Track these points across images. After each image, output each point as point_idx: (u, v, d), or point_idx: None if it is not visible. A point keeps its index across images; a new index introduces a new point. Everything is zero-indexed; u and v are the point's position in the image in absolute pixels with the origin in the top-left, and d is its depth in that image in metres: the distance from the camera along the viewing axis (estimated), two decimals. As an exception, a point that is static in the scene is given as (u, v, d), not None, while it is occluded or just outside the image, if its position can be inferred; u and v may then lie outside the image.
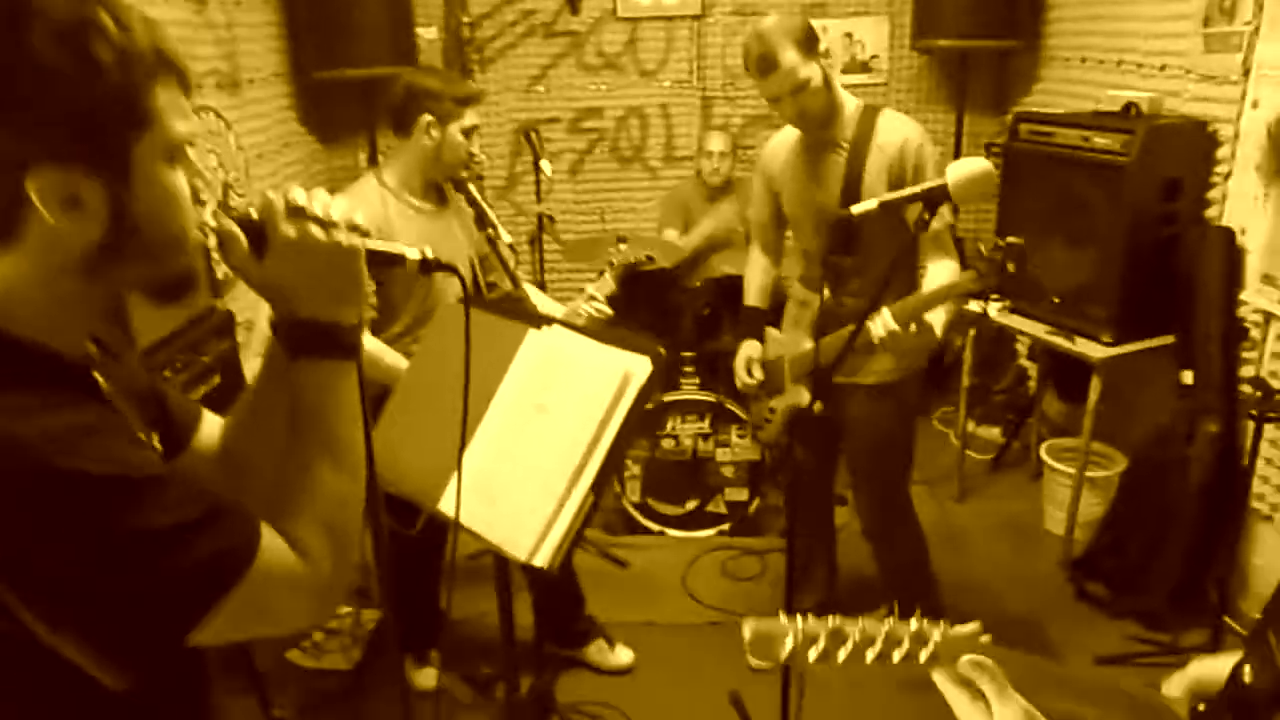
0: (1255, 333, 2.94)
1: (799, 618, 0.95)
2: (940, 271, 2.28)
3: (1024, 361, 4.36)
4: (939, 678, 0.98)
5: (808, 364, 2.49)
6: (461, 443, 1.38)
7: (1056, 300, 3.09)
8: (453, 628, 2.95)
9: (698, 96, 4.60)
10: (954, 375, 4.06)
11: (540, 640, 2.84)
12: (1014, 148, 3.43)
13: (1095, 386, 3.12)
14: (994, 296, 1.99)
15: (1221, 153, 3.03)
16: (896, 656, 0.94)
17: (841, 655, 0.93)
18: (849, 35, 4.50)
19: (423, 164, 2.35)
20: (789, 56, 2.22)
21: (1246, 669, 1.07)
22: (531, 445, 1.53)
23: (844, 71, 4.47)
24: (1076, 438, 3.41)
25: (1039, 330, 3.28)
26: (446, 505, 1.56)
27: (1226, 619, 2.81)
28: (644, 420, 3.49)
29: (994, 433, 4.28)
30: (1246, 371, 2.97)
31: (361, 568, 2.88)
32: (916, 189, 1.79)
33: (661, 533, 3.59)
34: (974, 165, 1.74)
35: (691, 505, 3.61)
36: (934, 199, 1.75)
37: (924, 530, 2.83)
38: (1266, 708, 1.04)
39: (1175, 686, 1.23)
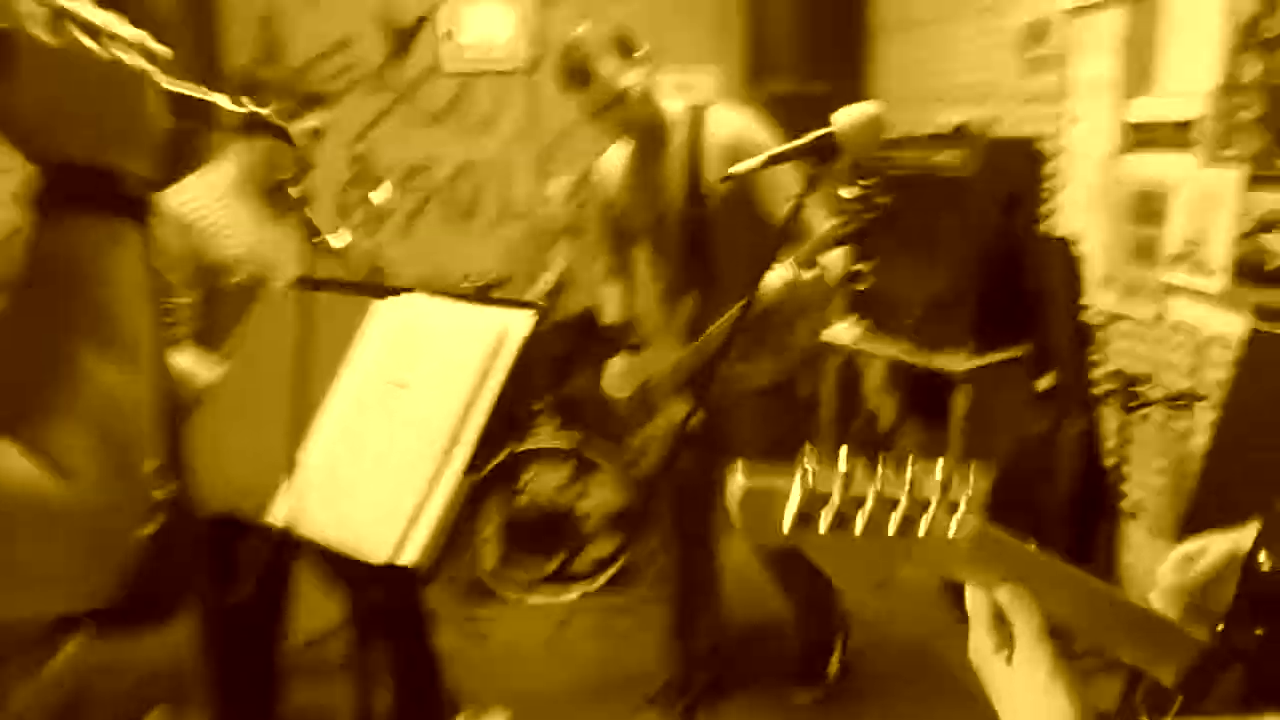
0: (1100, 333, 3.00)
1: (805, 465, 0.71)
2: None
3: (873, 403, 4.36)
4: (972, 593, 0.79)
5: (687, 368, 2.31)
6: (298, 438, 1.10)
7: (918, 313, 3.07)
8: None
9: (534, 150, 4.48)
10: (809, 418, 4.00)
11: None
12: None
13: (960, 402, 3.09)
14: (854, 318, 1.89)
15: (1050, 168, 3.15)
16: (922, 528, 0.72)
17: (860, 523, 0.71)
18: (679, 88, 4.51)
19: (256, 163, 2.08)
20: (606, 66, 2.12)
21: (1263, 555, 0.91)
22: (389, 428, 1.26)
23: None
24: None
25: (898, 350, 3.25)
26: (280, 513, 1.26)
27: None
28: (497, 474, 3.20)
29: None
30: (1097, 373, 3.02)
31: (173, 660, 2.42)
32: (803, 140, 1.67)
33: (520, 600, 3.26)
34: (861, 108, 1.64)
35: (555, 564, 3.31)
36: (823, 148, 1.63)
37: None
38: None
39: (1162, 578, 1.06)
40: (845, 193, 1.93)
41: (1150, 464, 2.83)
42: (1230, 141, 2.50)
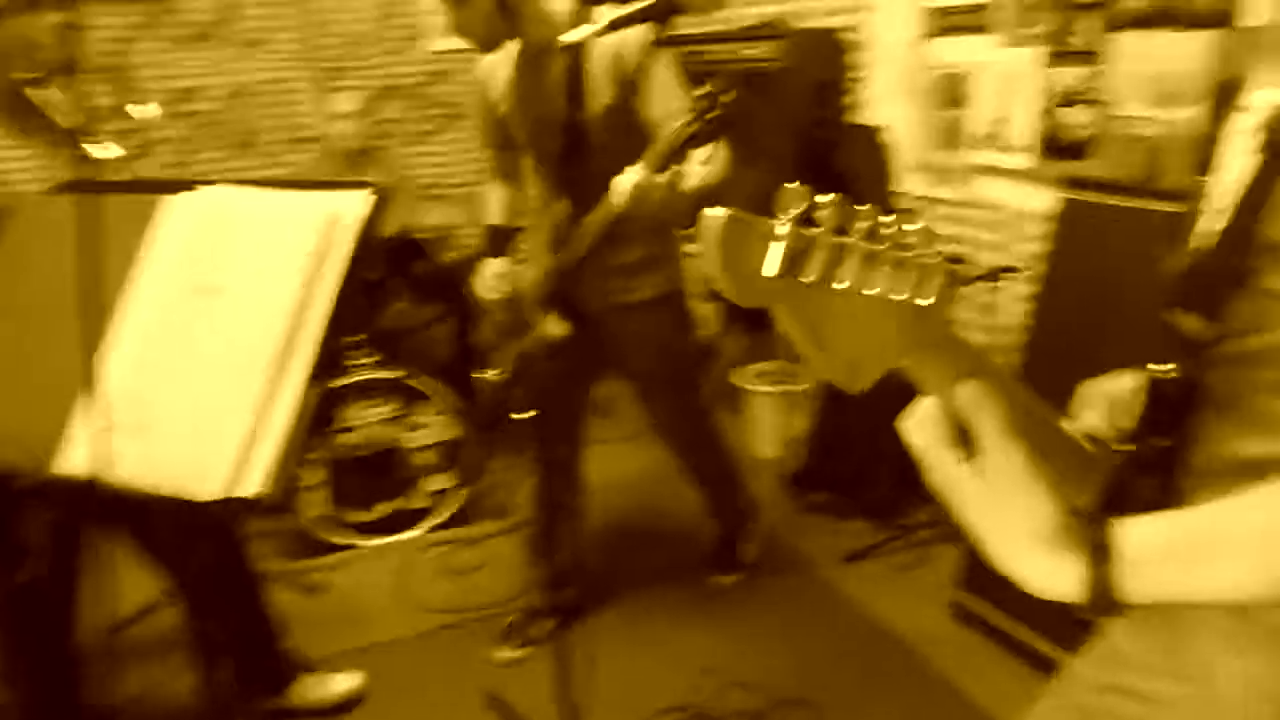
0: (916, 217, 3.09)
1: (792, 205, 0.61)
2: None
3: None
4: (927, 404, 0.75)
5: (550, 282, 2.20)
6: (88, 369, 0.89)
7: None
8: None
9: (315, 69, 4.10)
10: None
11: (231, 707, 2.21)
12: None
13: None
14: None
15: (854, 58, 3.17)
16: (905, 288, 0.64)
17: (847, 277, 0.61)
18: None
19: None
20: None
21: (1159, 370, 0.91)
22: (205, 342, 1.06)
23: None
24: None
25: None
26: (76, 462, 1.03)
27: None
28: (314, 416, 2.94)
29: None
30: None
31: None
32: (643, 3, 1.55)
33: (353, 545, 3.05)
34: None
35: (388, 506, 3.11)
36: (665, 8, 1.53)
37: (642, 480, 2.66)
38: (1184, 405, 0.92)
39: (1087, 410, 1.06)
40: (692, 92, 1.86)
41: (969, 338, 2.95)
42: (1026, 21, 2.58)
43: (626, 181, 1.90)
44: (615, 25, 1.56)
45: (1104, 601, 0.74)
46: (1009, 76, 2.65)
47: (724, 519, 2.81)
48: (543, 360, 2.28)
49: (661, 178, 1.90)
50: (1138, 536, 0.74)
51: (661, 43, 1.55)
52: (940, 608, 2.59)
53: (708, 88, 1.82)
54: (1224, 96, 1.91)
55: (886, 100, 3.11)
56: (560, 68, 2.14)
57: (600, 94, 2.13)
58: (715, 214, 0.61)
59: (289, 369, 1.00)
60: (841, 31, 3.18)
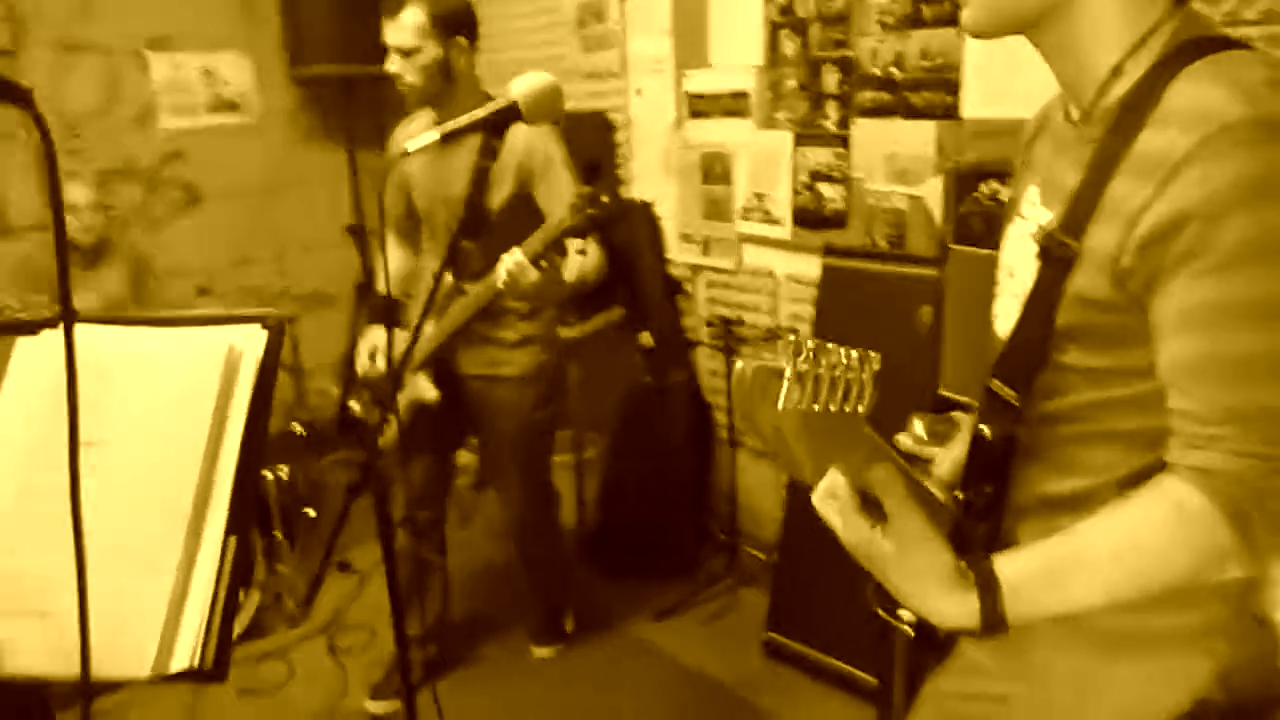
0: (687, 285, 3.31)
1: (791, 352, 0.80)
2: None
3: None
4: (839, 484, 0.92)
5: (428, 347, 2.30)
6: None
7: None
8: None
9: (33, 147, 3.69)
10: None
11: None
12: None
13: (573, 371, 3.20)
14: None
15: (620, 136, 3.36)
16: (850, 405, 0.82)
17: (828, 401, 0.80)
18: (208, 72, 4.02)
19: None
20: (414, 15, 2.17)
21: (985, 429, 1.09)
22: (94, 502, 0.96)
23: (211, 111, 4.00)
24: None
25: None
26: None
27: (743, 547, 3.15)
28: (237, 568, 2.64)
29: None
30: (689, 321, 3.33)
31: None
32: (486, 111, 1.60)
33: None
34: (538, 78, 1.62)
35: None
36: (505, 119, 1.60)
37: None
38: (1004, 457, 1.10)
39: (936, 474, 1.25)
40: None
41: (747, 396, 3.19)
42: (778, 107, 2.88)
43: (508, 263, 2.02)
44: (448, 137, 1.59)
45: (996, 625, 0.92)
46: (766, 155, 2.94)
47: (548, 592, 2.86)
48: (411, 423, 2.34)
49: (539, 264, 2.03)
50: (1013, 569, 0.93)
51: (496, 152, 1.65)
52: (753, 649, 2.76)
53: (589, 189, 2.00)
54: (956, 177, 2.24)
55: (653, 177, 3.32)
56: (473, 147, 2.26)
57: (504, 181, 2.29)
58: (746, 365, 0.80)
59: (206, 522, 0.94)
60: (608, 113, 3.37)
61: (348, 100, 4.09)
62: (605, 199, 1.94)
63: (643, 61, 3.23)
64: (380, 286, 2.59)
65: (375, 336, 2.48)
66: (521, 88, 1.60)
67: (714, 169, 3.11)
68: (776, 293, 3.04)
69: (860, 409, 0.81)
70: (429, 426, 2.41)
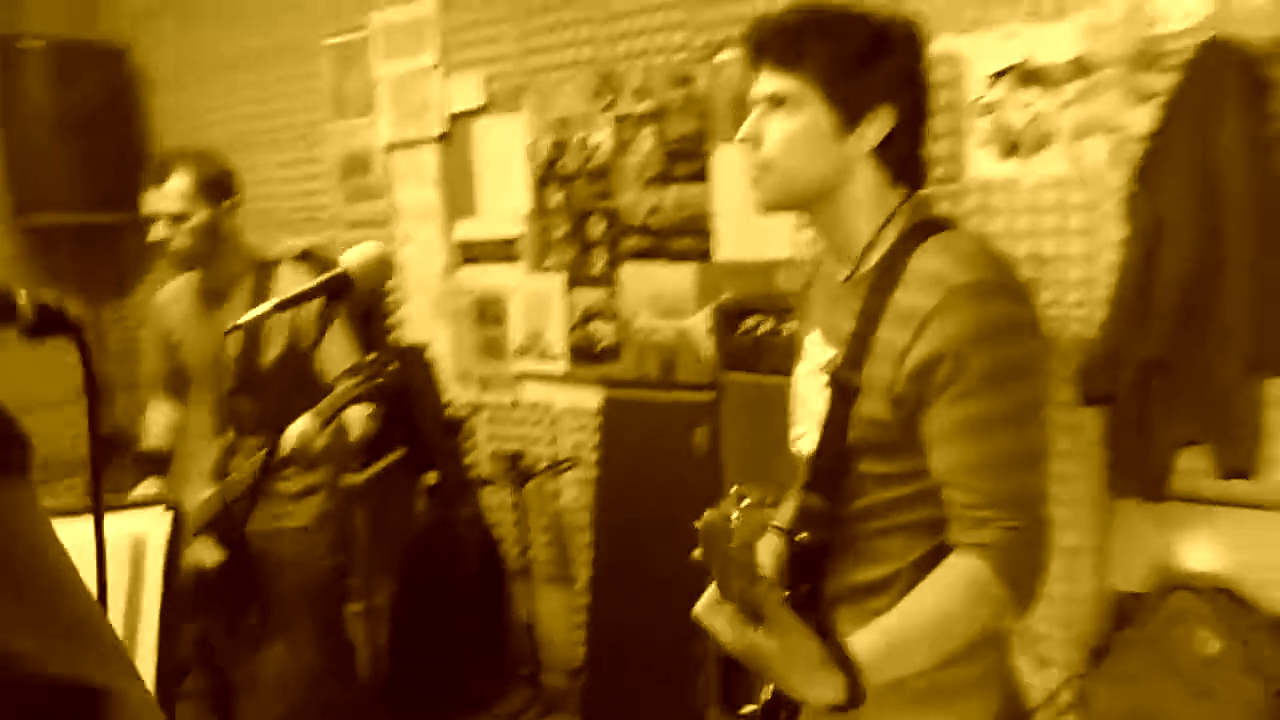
0: (469, 423, 3.40)
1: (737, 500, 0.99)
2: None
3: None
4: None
5: (210, 509, 2.19)
6: None
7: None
8: None
9: None
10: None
11: None
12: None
13: (360, 515, 3.17)
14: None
15: (391, 284, 3.45)
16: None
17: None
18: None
19: None
20: (181, 181, 2.21)
21: (803, 535, 1.30)
22: None
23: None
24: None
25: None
26: None
27: (545, 676, 3.20)
28: None
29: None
30: (472, 459, 3.41)
31: None
32: (315, 282, 1.66)
33: None
34: (369, 248, 1.70)
35: None
36: (336, 287, 1.65)
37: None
38: (820, 556, 1.32)
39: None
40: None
41: (534, 525, 3.30)
42: (549, 253, 3.12)
43: (295, 430, 2.00)
44: (282, 306, 1.64)
45: (859, 697, 1.12)
46: (539, 297, 3.15)
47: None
48: (195, 589, 2.22)
49: (328, 428, 2.03)
50: (863, 649, 1.14)
51: (332, 317, 1.69)
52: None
53: (374, 355, 2.07)
54: (723, 312, 2.55)
55: (425, 321, 3.42)
56: (243, 304, 2.24)
57: (274, 344, 2.29)
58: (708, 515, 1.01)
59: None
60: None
61: (82, 249, 3.87)
62: (392, 366, 2.05)
63: (411, 210, 3.37)
64: (149, 442, 2.55)
65: (146, 489, 2.40)
66: (354, 257, 1.68)
67: (488, 311, 3.28)
68: (556, 424, 3.21)
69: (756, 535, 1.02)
70: (214, 591, 2.31)
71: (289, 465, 2.10)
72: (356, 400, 2.04)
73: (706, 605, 1.12)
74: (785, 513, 1.41)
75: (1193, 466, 2.23)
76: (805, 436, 1.34)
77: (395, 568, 3.40)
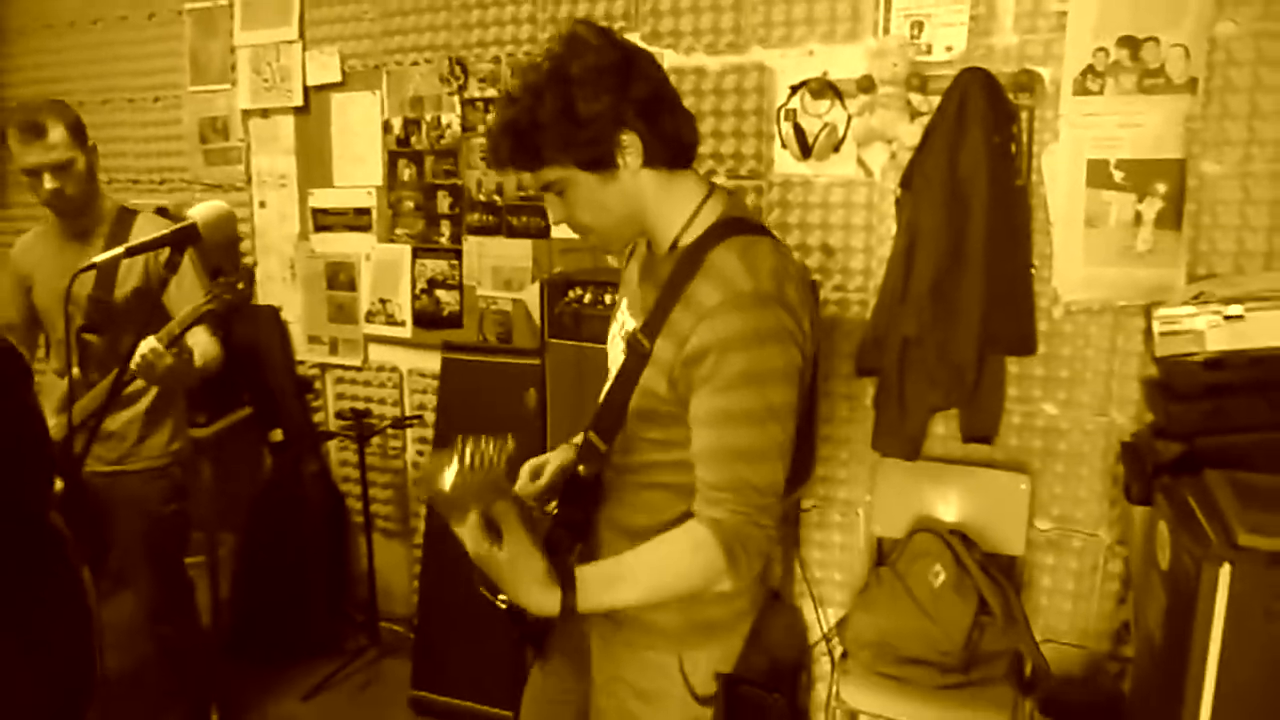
0: (317, 383, 3.56)
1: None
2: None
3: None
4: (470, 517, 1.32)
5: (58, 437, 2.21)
6: None
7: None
8: None
9: None
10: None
11: None
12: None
13: (206, 468, 3.28)
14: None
15: (245, 245, 3.56)
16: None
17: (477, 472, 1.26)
18: None
19: None
20: (58, 132, 2.31)
21: (581, 468, 1.54)
22: None
23: None
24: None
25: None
26: None
27: (382, 622, 3.39)
28: None
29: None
30: (320, 417, 3.56)
31: None
32: (165, 231, 1.83)
33: None
34: (215, 205, 1.88)
35: None
36: (184, 238, 1.83)
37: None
38: (594, 489, 1.55)
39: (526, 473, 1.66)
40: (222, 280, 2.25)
41: (378, 480, 3.49)
42: (399, 224, 3.31)
43: (143, 348, 2.10)
44: (132, 252, 1.80)
45: (569, 612, 1.33)
46: (389, 265, 3.34)
47: (192, 691, 2.86)
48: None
49: (168, 359, 2.14)
50: (585, 574, 1.37)
51: (177, 264, 1.85)
52: (401, 709, 3.02)
53: (225, 278, 2.20)
54: (549, 285, 2.79)
55: (278, 284, 3.55)
56: (97, 248, 2.32)
57: (127, 285, 2.41)
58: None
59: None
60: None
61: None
62: (240, 285, 2.21)
63: (267, 177, 3.49)
64: None
65: None
66: (201, 211, 1.86)
67: (339, 276, 3.44)
68: (401, 385, 3.41)
69: (497, 469, 1.28)
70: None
71: (134, 380, 2.21)
72: (201, 320, 2.20)
73: (466, 523, 1.32)
74: (572, 451, 1.65)
75: (945, 432, 2.64)
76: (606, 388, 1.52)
77: (240, 521, 3.53)
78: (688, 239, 1.40)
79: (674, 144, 1.40)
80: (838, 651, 2.56)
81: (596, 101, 1.31)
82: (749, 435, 1.32)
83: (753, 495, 1.32)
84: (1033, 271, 2.46)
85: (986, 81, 2.38)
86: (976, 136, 2.36)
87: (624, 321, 1.53)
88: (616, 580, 1.36)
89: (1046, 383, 2.52)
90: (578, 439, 1.63)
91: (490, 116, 3.04)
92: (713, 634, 1.53)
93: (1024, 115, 2.42)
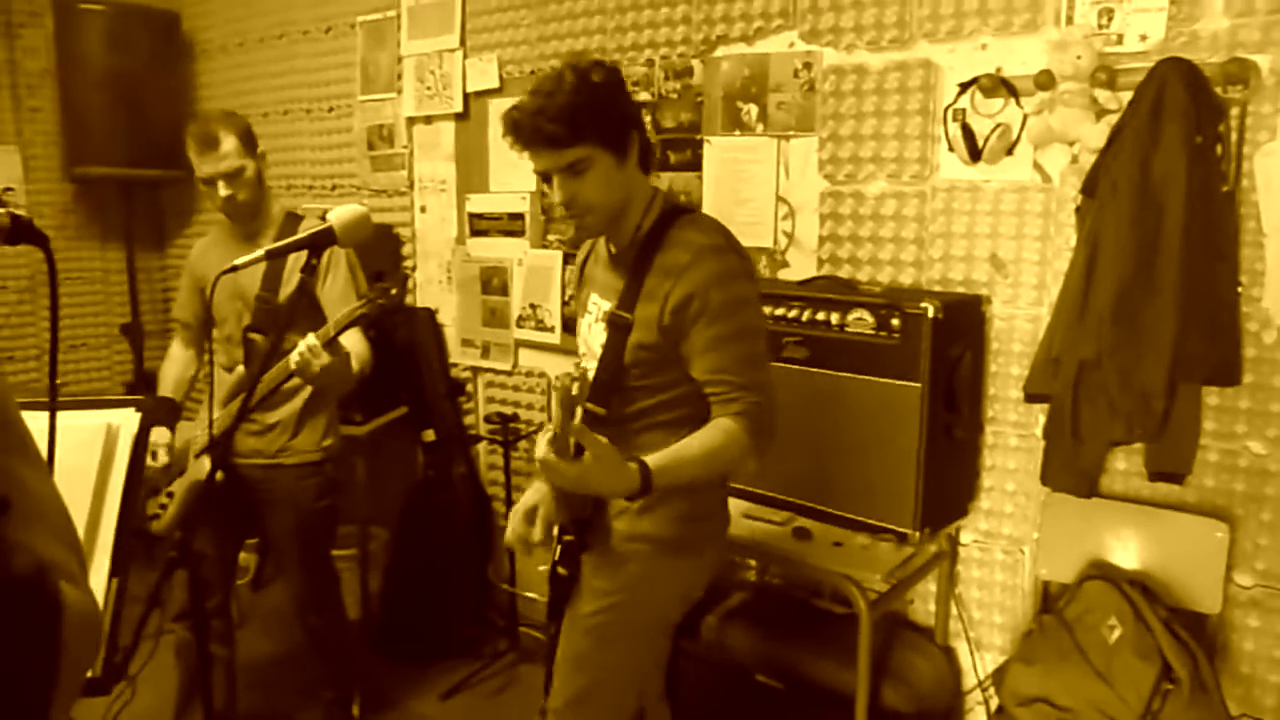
0: (469, 386, 3.60)
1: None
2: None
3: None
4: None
5: (215, 432, 2.42)
6: None
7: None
8: None
9: None
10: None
11: None
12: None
13: (360, 466, 3.39)
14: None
15: (406, 249, 3.66)
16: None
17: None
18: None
19: None
20: (230, 141, 2.42)
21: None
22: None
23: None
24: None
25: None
26: None
27: (522, 627, 3.40)
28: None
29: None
30: (470, 419, 3.61)
31: None
32: (302, 235, 1.87)
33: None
34: (353, 209, 1.90)
35: None
36: (321, 243, 1.85)
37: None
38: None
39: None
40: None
41: (523, 485, 3.49)
42: (550, 230, 3.30)
43: (302, 346, 2.17)
44: (271, 255, 1.84)
45: (648, 488, 1.59)
46: (540, 270, 3.34)
47: (337, 681, 2.94)
48: (193, 508, 2.45)
49: (325, 358, 2.19)
50: (654, 461, 1.60)
51: (317, 268, 1.89)
52: (539, 716, 2.99)
53: (383, 283, 2.24)
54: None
55: (435, 287, 3.63)
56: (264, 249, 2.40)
57: (291, 279, 2.49)
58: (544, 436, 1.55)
59: (94, 564, 1.12)
60: (395, 227, 3.67)
61: (127, 202, 4.14)
62: (394, 290, 2.23)
63: (429, 182, 3.57)
64: (164, 390, 2.72)
65: (156, 436, 2.52)
66: (339, 215, 1.88)
67: (493, 281, 3.47)
68: (548, 391, 3.40)
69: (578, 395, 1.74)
70: (212, 513, 2.49)
71: (293, 378, 2.27)
72: (362, 319, 2.24)
73: (544, 450, 1.58)
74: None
75: (1127, 467, 2.36)
76: (591, 370, 1.83)
77: (392, 518, 3.63)
78: (647, 224, 1.79)
79: (649, 153, 1.83)
80: (993, 703, 2.34)
81: (629, 103, 1.77)
82: (742, 348, 1.72)
83: (757, 391, 1.70)
84: (1239, 290, 2.16)
85: (1189, 73, 2.11)
86: (1174, 135, 2.09)
87: (598, 308, 1.85)
88: (677, 463, 1.64)
89: (1253, 416, 2.20)
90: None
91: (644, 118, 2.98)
92: (680, 553, 1.86)
93: (1234, 111, 2.13)
